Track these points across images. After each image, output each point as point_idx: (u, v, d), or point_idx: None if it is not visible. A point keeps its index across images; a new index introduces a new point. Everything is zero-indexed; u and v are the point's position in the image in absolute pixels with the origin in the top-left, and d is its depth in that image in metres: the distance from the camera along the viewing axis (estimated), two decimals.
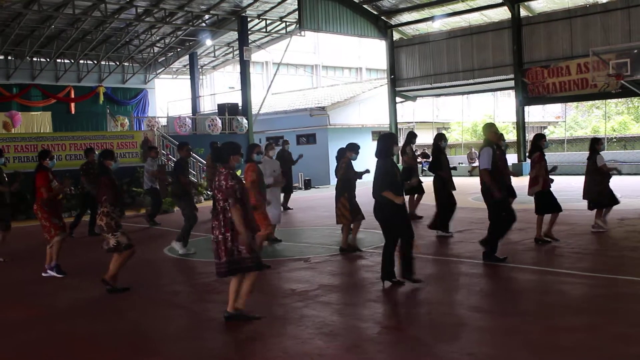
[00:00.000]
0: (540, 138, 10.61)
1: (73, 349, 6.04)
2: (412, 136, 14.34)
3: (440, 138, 12.30)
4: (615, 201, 11.38)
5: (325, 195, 12.38)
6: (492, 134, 9.09)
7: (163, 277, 9.55)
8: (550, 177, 10.36)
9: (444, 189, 11.69)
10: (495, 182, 8.74)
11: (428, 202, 12.11)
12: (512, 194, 11.15)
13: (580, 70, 26.03)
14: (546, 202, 10.35)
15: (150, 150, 15.75)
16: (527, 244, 10.40)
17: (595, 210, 11.34)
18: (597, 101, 37.34)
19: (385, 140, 7.86)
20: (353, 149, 10.47)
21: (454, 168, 12.45)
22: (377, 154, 7.82)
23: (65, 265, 9.53)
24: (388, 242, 7.78)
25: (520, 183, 12.23)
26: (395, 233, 7.65)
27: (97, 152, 12.39)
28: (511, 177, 10.59)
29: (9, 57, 31.30)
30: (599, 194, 11.17)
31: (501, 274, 8.50)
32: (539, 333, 5.87)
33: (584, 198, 11.37)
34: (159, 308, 7.55)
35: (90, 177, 13.10)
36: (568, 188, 11.32)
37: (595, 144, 11.19)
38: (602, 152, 11.23)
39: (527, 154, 11.61)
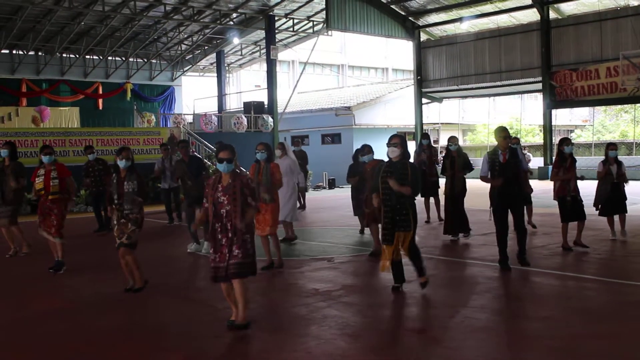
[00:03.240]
0: (560, 143, 10.44)
1: (95, 342, 6.11)
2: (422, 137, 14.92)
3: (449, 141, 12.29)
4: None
5: (350, 195, 12.32)
6: (498, 138, 8.93)
7: (186, 274, 9.63)
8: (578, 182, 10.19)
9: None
10: (492, 187, 8.80)
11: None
12: (526, 200, 11.09)
13: (610, 74, 25.70)
14: (563, 209, 10.09)
15: (162, 148, 15.46)
16: (553, 249, 10.30)
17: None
18: (626, 105, 36.91)
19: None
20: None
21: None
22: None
23: (91, 260, 9.61)
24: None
25: (546, 187, 12.11)
26: None
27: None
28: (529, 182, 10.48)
29: (39, 53, 31.73)
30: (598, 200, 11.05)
31: (525, 279, 8.43)
32: (563, 339, 5.83)
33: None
34: (181, 304, 7.59)
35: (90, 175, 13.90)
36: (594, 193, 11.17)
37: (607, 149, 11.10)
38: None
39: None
